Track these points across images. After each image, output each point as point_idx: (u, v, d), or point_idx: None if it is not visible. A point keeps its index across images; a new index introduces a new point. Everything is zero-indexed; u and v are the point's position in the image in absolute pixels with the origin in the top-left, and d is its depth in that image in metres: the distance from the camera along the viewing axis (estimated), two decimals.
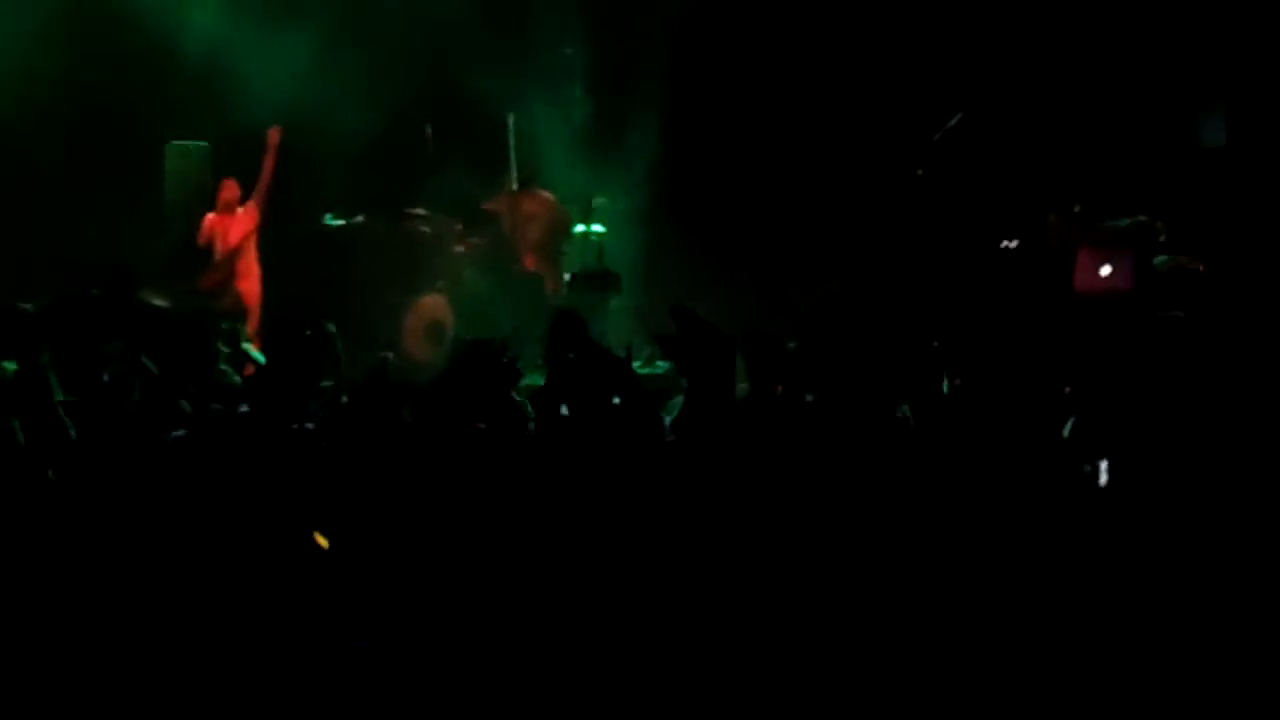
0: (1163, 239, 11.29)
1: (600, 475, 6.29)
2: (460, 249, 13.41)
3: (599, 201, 13.79)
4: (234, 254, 12.78)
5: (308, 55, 13.36)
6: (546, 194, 13.57)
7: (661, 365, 11.02)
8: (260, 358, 9.36)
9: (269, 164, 12.75)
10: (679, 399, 6.67)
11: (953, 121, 12.22)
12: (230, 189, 12.79)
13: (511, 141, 13.74)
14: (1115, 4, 13.03)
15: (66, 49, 13.24)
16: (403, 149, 14.24)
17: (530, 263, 13.36)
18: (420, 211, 13.69)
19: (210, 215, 12.85)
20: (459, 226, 13.60)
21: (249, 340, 10.46)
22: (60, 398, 6.95)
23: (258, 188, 12.77)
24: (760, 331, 7.17)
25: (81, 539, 6.06)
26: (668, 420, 6.55)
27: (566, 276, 13.35)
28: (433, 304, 13.00)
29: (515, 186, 13.60)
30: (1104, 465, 6.42)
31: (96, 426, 6.94)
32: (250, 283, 12.87)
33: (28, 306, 8.27)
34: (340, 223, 13.73)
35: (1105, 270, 11.53)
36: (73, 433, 6.73)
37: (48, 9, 13.21)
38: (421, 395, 7.55)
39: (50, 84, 13.19)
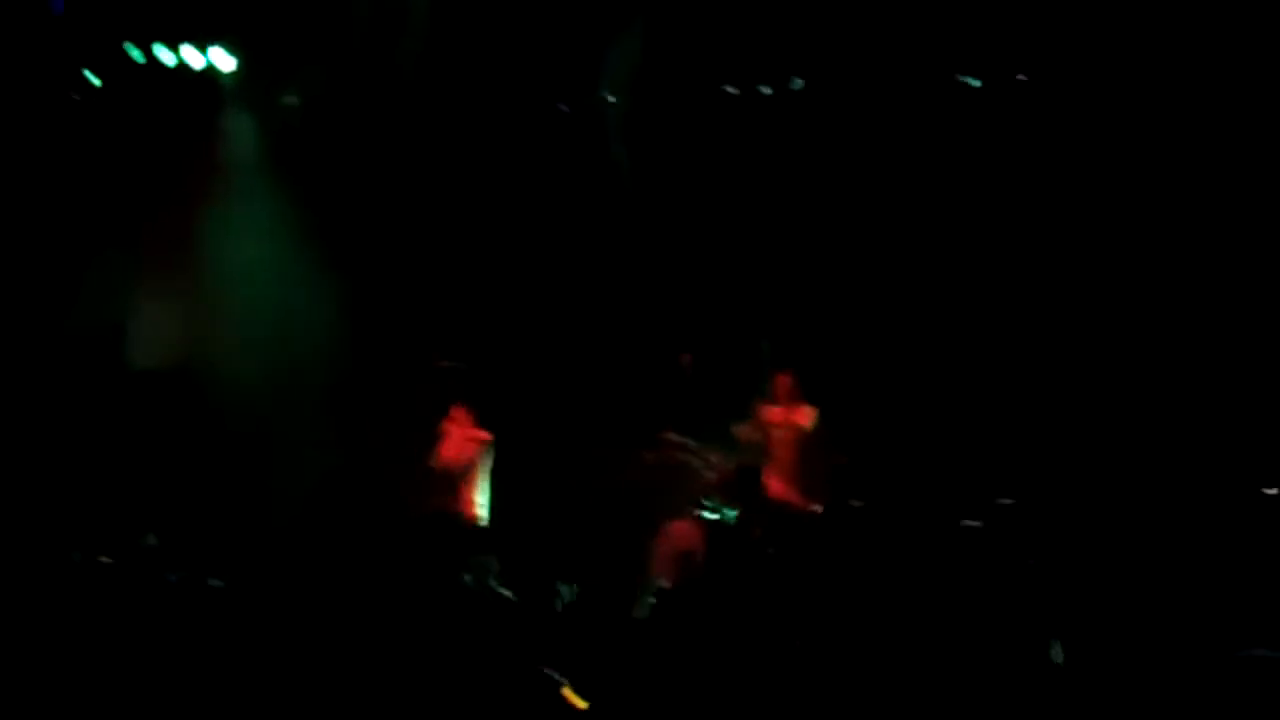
0: None
1: None
2: (712, 475, 13.40)
3: None
4: (456, 475, 12.96)
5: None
6: (805, 411, 13.27)
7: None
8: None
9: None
10: None
11: None
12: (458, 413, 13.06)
13: (765, 366, 13.80)
14: None
15: None
16: (663, 375, 14.45)
17: (780, 489, 13.19)
18: (676, 438, 13.78)
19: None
20: (714, 454, 13.62)
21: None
22: None
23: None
24: None
25: None
26: None
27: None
28: (684, 531, 12.96)
29: (769, 406, 13.45)
30: None
31: None
32: (470, 508, 13.04)
33: None
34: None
35: None
36: None
37: None
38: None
39: None
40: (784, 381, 13.36)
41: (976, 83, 13.99)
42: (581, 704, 7.06)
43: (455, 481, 13.02)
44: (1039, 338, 13.74)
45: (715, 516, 12.68)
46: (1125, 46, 13.18)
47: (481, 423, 13.08)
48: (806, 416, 13.24)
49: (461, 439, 13.10)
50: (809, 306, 14.62)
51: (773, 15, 13.72)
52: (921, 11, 13.48)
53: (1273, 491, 12.20)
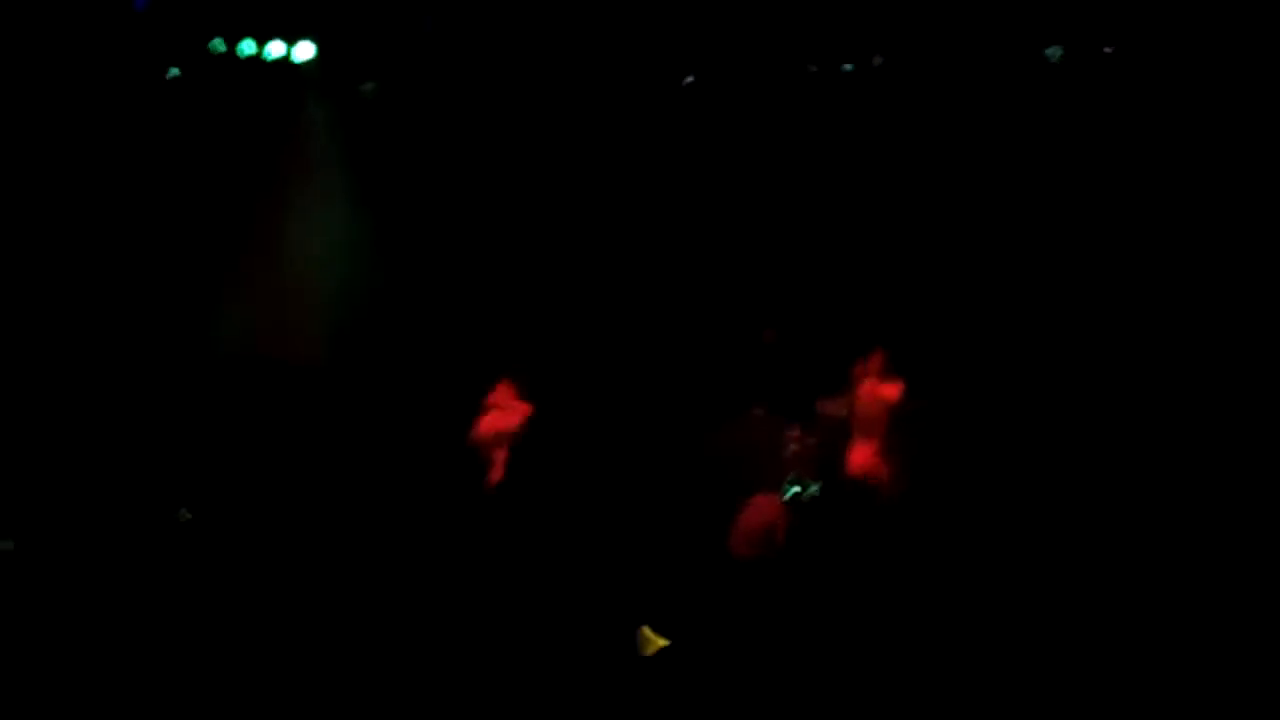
0: None
1: None
2: (794, 450, 13.28)
3: None
4: (497, 447, 13.02)
5: None
6: (893, 386, 12.98)
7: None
8: None
9: None
10: None
11: None
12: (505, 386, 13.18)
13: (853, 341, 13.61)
14: None
15: None
16: (748, 350, 14.37)
17: (866, 465, 13.01)
18: (761, 412, 13.67)
19: None
20: (794, 428, 13.48)
21: None
22: None
23: None
24: None
25: None
26: None
27: None
28: (767, 506, 12.85)
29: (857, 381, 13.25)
30: None
31: None
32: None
33: None
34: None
35: None
36: None
37: None
38: None
39: None
40: (873, 356, 13.17)
41: None
42: (661, 641, 7.31)
43: (496, 453, 13.06)
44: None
45: (798, 492, 12.59)
46: None
47: (532, 396, 13.12)
48: (894, 392, 13.03)
49: (505, 411, 13.14)
50: (900, 282, 14.44)
51: None
52: None
53: None
